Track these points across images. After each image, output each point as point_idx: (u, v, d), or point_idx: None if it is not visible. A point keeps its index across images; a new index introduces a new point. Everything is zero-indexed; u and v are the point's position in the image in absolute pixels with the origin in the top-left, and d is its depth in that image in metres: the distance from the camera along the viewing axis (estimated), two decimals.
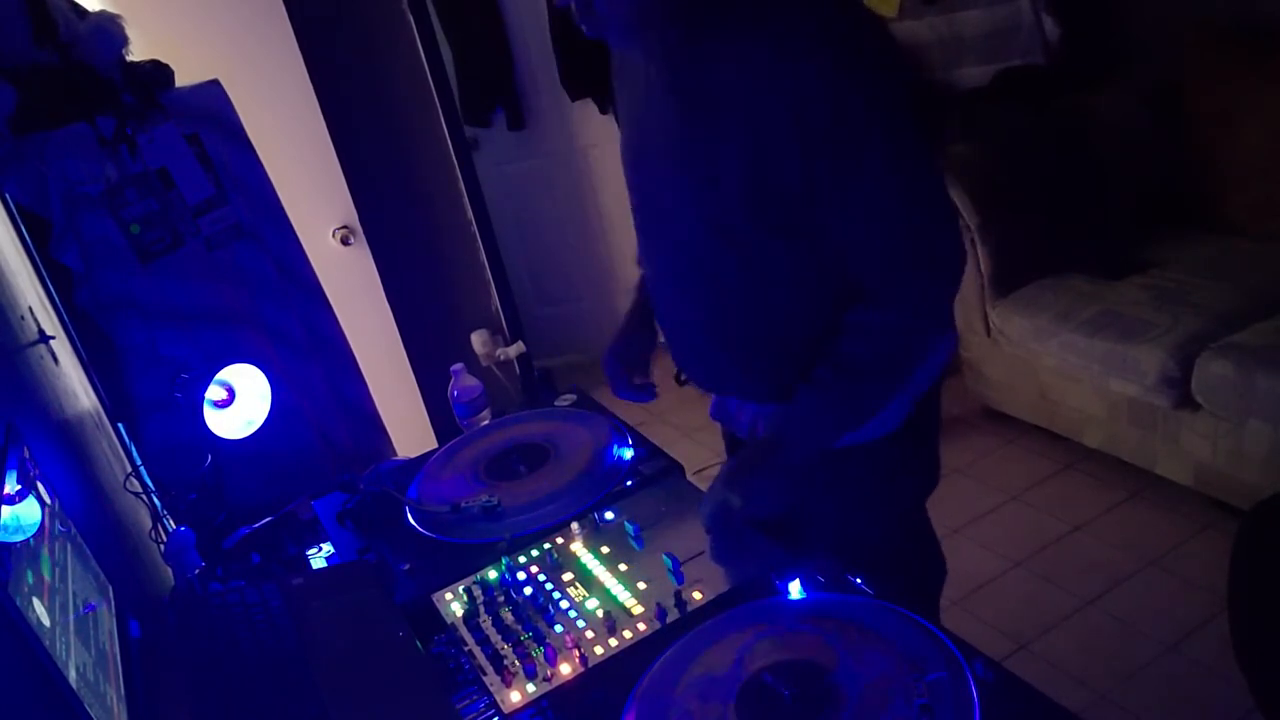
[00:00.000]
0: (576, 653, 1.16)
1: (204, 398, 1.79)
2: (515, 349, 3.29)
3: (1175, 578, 2.42)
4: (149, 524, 1.76)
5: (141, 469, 1.83)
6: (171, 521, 1.79)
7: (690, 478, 1.51)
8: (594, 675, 1.14)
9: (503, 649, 1.19)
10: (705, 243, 1.30)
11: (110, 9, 1.92)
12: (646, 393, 1.70)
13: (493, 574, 1.33)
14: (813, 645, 1.06)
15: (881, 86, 1.16)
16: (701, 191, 1.26)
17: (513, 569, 1.33)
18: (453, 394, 1.87)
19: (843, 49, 1.14)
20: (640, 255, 1.52)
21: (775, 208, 1.22)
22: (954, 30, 3.21)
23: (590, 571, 1.31)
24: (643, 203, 1.43)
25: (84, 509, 1.50)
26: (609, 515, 1.40)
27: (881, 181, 1.18)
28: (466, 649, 1.21)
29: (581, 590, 1.28)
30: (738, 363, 1.41)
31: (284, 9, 2.53)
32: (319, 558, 1.55)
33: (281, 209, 2.16)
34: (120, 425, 1.90)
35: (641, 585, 1.26)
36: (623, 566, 1.30)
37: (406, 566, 1.39)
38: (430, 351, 3.02)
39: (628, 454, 1.53)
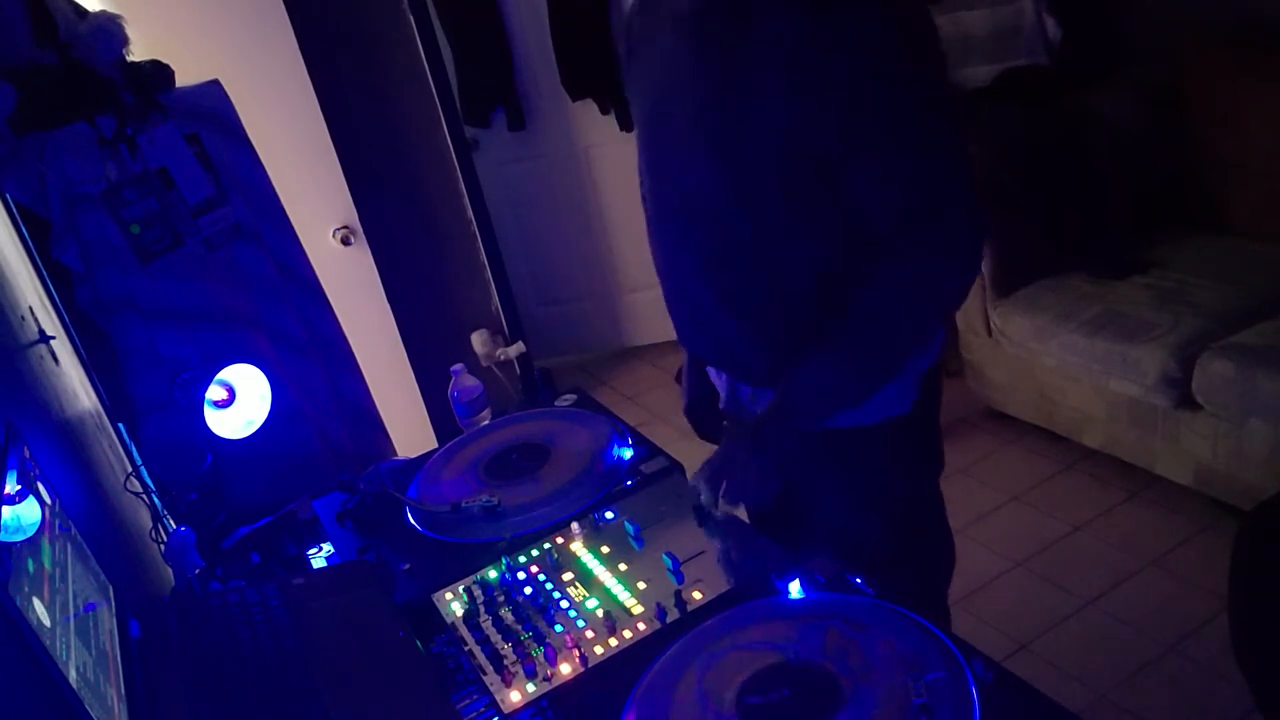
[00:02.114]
0: (576, 653, 1.16)
1: (204, 398, 1.79)
2: (515, 349, 3.29)
3: (1175, 578, 2.42)
4: (149, 524, 1.76)
5: (141, 469, 1.83)
6: (171, 521, 1.79)
7: (690, 477, 1.51)
8: (594, 675, 1.14)
9: (503, 649, 1.19)
10: (724, 212, 1.31)
11: (110, 9, 1.92)
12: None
13: (493, 574, 1.33)
14: (812, 645, 1.06)
15: (923, 58, 1.20)
16: (727, 160, 1.27)
17: (513, 569, 1.33)
18: (453, 394, 1.87)
19: (888, 17, 1.17)
20: (652, 236, 1.51)
21: (804, 175, 1.24)
22: (956, 30, 3.21)
23: (590, 571, 1.31)
24: (661, 179, 1.43)
25: (84, 509, 1.50)
26: (609, 515, 1.40)
27: (911, 143, 1.20)
28: (466, 649, 1.21)
29: (581, 590, 1.28)
30: (749, 335, 1.41)
31: (284, 9, 2.53)
32: (319, 558, 1.55)
33: (281, 209, 2.16)
34: (120, 425, 1.90)
35: (641, 585, 1.26)
36: (623, 566, 1.30)
37: (406, 566, 1.39)
38: (430, 351, 3.02)
39: (628, 454, 1.53)
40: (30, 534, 1.05)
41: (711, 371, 1.63)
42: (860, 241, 1.28)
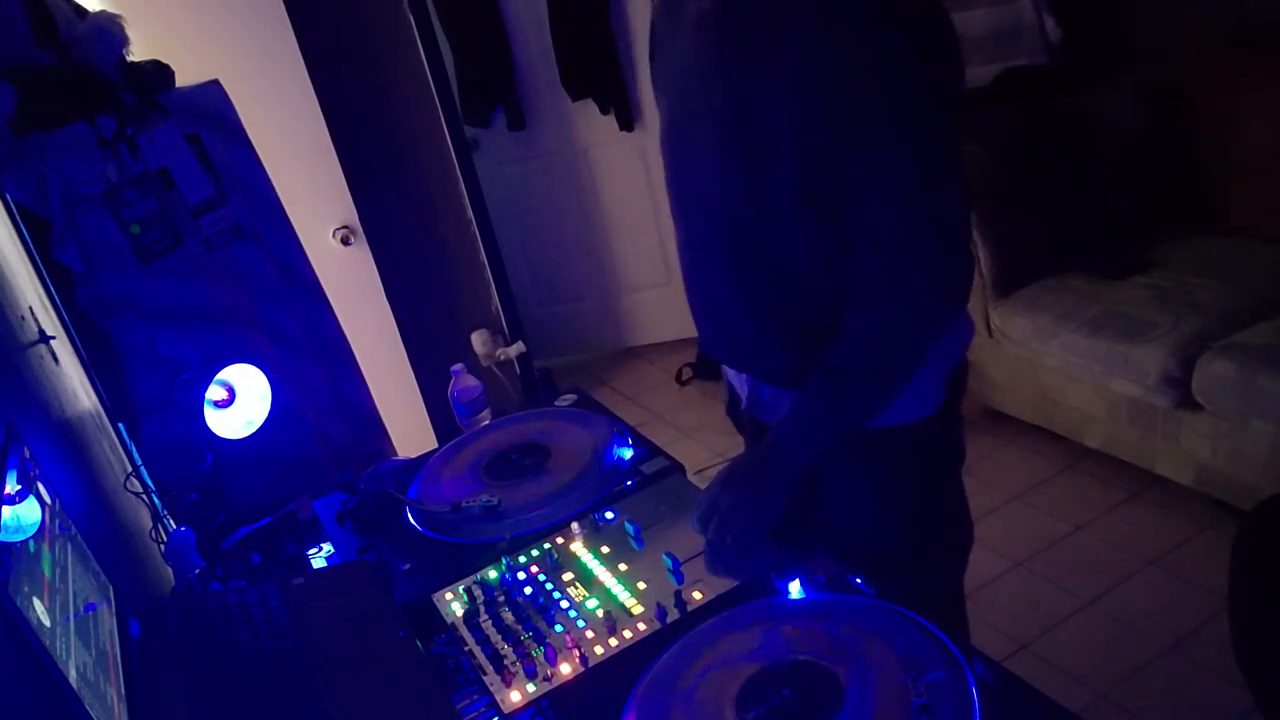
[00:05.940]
0: (576, 653, 1.16)
1: (204, 398, 1.79)
2: (515, 349, 3.29)
3: (1175, 578, 2.42)
4: (149, 524, 1.76)
5: (141, 469, 1.83)
6: (172, 521, 1.79)
7: (690, 478, 1.51)
8: (594, 675, 1.14)
9: (503, 649, 1.19)
10: (750, 218, 1.30)
11: (110, 9, 1.92)
12: None
13: (493, 574, 1.33)
14: (812, 645, 1.06)
15: (926, 75, 1.16)
16: (751, 165, 1.25)
17: (513, 569, 1.33)
18: (453, 394, 1.87)
19: (897, 29, 1.14)
20: (678, 237, 1.49)
21: (821, 186, 1.22)
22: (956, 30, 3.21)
23: (590, 571, 1.31)
24: (683, 180, 1.41)
25: (84, 509, 1.50)
26: (609, 515, 1.40)
27: (897, 170, 1.18)
28: (466, 649, 1.21)
29: (581, 590, 1.28)
30: (773, 340, 1.40)
31: (284, 9, 2.53)
32: (319, 558, 1.55)
33: (281, 209, 2.16)
34: (120, 425, 1.90)
35: (641, 585, 1.26)
36: (623, 566, 1.30)
37: (406, 566, 1.39)
38: (430, 351, 3.02)
39: (628, 454, 1.53)
40: (30, 534, 1.05)
41: (731, 373, 1.61)
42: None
